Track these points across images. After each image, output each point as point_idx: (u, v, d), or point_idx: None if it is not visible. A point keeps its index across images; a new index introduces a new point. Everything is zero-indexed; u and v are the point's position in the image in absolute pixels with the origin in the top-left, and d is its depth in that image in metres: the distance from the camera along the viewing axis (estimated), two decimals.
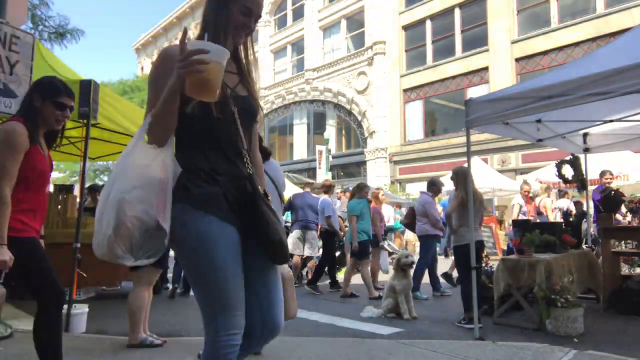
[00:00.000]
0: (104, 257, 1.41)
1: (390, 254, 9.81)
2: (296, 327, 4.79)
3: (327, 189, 7.78)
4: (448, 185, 8.10)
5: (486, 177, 12.60)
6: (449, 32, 19.58)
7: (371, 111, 21.78)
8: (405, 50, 21.26)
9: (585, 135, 6.14)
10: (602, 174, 7.29)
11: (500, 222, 13.11)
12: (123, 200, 1.39)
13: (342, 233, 8.14)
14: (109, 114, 4.72)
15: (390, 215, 11.65)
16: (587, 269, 5.67)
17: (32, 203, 2.42)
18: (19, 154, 2.27)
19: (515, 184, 13.26)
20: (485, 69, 18.09)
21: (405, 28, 21.28)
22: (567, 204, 9.57)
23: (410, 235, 13.13)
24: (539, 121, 5.06)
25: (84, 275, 4.71)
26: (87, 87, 4.38)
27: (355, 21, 23.92)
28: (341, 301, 6.38)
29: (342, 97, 23.38)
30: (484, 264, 5.94)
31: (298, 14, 27.11)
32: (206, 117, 1.51)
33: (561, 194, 9.89)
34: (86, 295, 6.28)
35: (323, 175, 21.80)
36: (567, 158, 7.04)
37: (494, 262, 6.23)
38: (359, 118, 22.46)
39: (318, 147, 22.24)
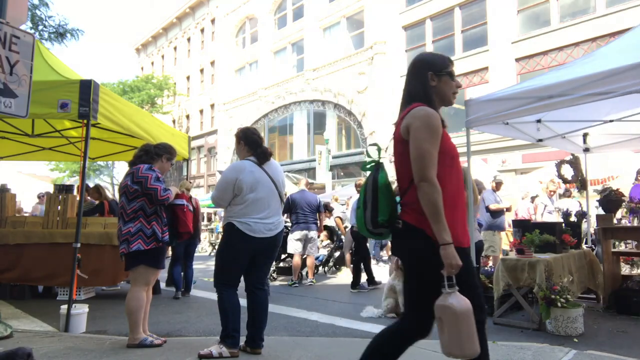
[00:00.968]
0: None
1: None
2: (296, 327, 4.79)
3: (358, 187, 7.98)
4: None
5: (486, 177, 12.57)
6: (449, 32, 19.58)
7: (371, 111, 21.77)
8: (405, 50, 21.25)
9: (585, 135, 6.14)
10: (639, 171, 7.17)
11: None
12: None
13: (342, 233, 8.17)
14: (109, 114, 4.72)
15: None
16: (587, 269, 5.67)
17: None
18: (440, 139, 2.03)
19: (515, 184, 13.26)
20: (485, 69, 18.09)
21: (405, 28, 21.28)
22: (569, 203, 9.52)
23: None
24: (539, 121, 5.06)
25: (85, 277, 4.71)
26: (87, 87, 4.39)
27: (355, 21, 23.91)
28: (341, 301, 6.38)
29: (342, 97, 23.37)
30: (482, 264, 5.95)
31: (298, 14, 27.10)
32: None
33: (566, 194, 9.85)
34: (86, 296, 6.29)
35: (323, 175, 21.81)
36: (567, 158, 7.04)
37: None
38: (359, 118, 22.45)
39: (318, 147, 22.24)
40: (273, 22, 29.11)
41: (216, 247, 9.66)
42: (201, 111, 35.10)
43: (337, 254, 9.61)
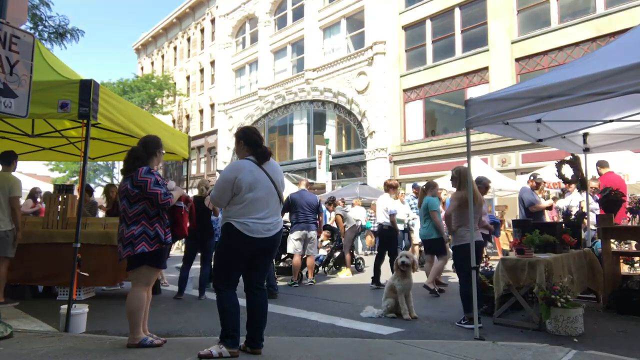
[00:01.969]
0: None
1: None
2: (296, 327, 4.80)
3: (388, 187, 8.08)
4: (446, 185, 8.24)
5: (486, 177, 12.57)
6: (449, 32, 19.58)
7: (371, 111, 21.77)
8: (405, 50, 21.25)
9: (585, 135, 6.14)
10: None
11: (501, 222, 13.10)
12: None
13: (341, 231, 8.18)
14: (109, 114, 4.72)
15: (363, 216, 12.71)
16: (587, 269, 5.67)
17: None
18: None
19: (515, 184, 13.27)
20: (485, 69, 18.08)
21: (405, 28, 21.27)
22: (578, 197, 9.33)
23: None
24: (539, 121, 5.06)
25: (85, 275, 4.71)
26: (87, 87, 4.38)
27: (355, 21, 23.90)
28: (341, 301, 6.38)
29: (342, 97, 23.36)
30: (483, 264, 5.95)
31: (298, 14, 27.09)
32: None
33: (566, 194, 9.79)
34: (86, 296, 6.28)
35: (323, 175, 21.79)
36: (567, 158, 7.03)
37: (494, 262, 6.23)
38: (359, 118, 22.45)
39: (318, 147, 22.22)
40: (273, 22, 29.12)
41: None
42: (201, 111, 35.10)
43: (337, 254, 9.61)
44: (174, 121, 36.97)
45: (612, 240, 5.82)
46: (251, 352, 3.42)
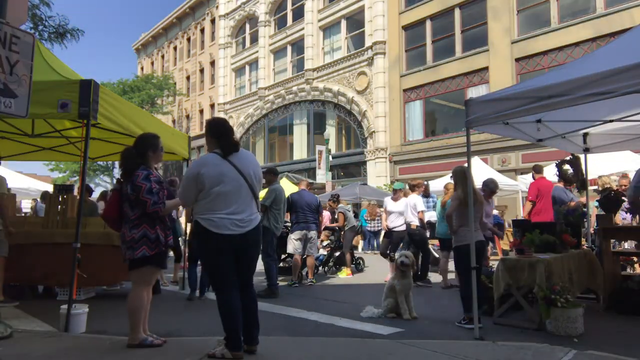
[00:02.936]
0: None
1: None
2: (296, 327, 4.79)
3: (414, 187, 8.25)
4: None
5: (486, 177, 12.57)
6: (449, 32, 19.58)
7: (371, 111, 21.77)
8: (405, 50, 21.25)
9: (585, 135, 6.14)
10: None
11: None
12: None
13: (341, 233, 8.18)
14: (109, 114, 4.72)
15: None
16: (587, 269, 5.67)
17: None
18: None
19: (515, 184, 13.27)
20: (485, 69, 18.08)
21: (405, 28, 21.27)
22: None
23: None
24: (539, 121, 5.05)
25: (84, 275, 4.71)
26: (87, 87, 4.38)
27: (355, 21, 23.91)
28: (341, 301, 6.38)
29: (342, 97, 23.37)
30: (484, 264, 5.94)
31: (298, 14, 27.10)
32: None
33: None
34: (86, 296, 6.28)
35: (323, 175, 21.79)
36: (567, 158, 7.03)
37: (494, 262, 6.23)
38: (359, 118, 22.45)
39: (318, 147, 22.21)
40: (273, 22, 29.11)
41: None
42: (201, 111, 35.10)
43: (337, 254, 9.60)
44: (174, 121, 36.97)
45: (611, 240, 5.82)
46: (247, 350, 3.38)
